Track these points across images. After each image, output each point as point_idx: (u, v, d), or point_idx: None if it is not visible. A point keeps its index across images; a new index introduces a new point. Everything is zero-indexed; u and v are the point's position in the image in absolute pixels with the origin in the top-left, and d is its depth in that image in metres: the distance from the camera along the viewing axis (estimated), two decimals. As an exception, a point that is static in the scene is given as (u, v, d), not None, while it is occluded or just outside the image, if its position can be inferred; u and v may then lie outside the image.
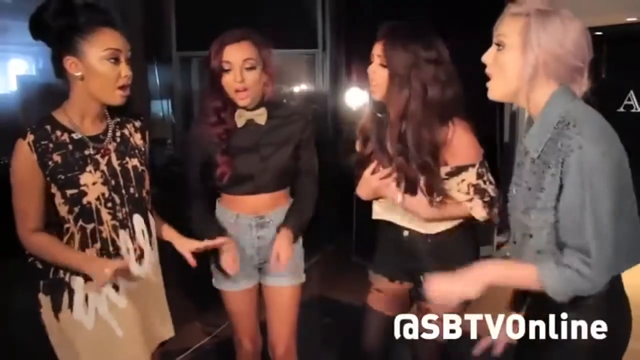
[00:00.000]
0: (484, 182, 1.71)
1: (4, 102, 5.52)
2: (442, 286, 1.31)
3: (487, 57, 1.29)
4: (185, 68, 4.52)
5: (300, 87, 4.87)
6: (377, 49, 1.68)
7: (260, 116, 1.88)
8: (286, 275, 1.97)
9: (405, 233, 1.83)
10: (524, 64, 1.22)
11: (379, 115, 1.79)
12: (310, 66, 4.59)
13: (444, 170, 1.70)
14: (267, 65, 1.84)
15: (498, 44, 1.27)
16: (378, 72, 1.68)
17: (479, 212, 1.72)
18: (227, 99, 1.84)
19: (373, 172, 1.75)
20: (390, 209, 1.83)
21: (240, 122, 1.87)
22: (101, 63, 1.48)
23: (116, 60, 1.50)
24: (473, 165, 1.70)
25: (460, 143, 1.68)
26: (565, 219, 1.21)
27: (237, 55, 1.77)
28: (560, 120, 1.22)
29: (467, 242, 1.85)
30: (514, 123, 4.24)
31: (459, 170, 1.70)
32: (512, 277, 1.29)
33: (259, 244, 1.95)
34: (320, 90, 4.41)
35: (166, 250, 1.78)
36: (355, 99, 4.24)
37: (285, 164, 1.91)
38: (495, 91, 1.30)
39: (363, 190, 1.80)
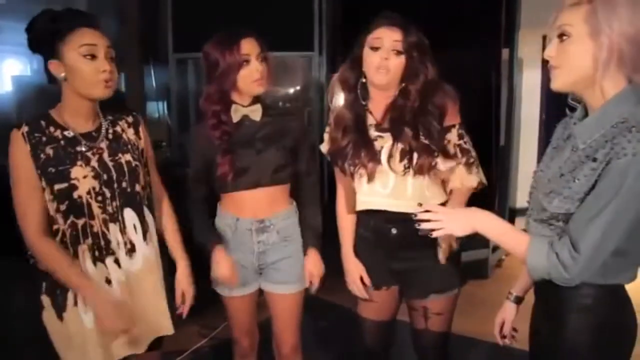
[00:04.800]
0: (465, 142, 1.78)
1: (-2, 103, 5.49)
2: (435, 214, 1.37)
3: (551, 51, 1.25)
4: (182, 70, 4.50)
5: (296, 90, 4.87)
6: (393, 36, 1.70)
7: (255, 112, 1.92)
8: (290, 282, 1.99)
9: (394, 231, 1.78)
10: (597, 50, 1.17)
11: (363, 102, 1.81)
12: (307, 69, 4.58)
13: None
14: (267, 62, 1.91)
15: (562, 35, 1.22)
16: (393, 60, 1.71)
17: (472, 180, 1.77)
18: (226, 98, 1.88)
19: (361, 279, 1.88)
20: (378, 195, 1.79)
21: (235, 117, 1.91)
22: (78, 60, 1.53)
23: (93, 57, 1.53)
24: (454, 126, 1.77)
25: (448, 105, 1.76)
26: (582, 210, 1.19)
27: (254, 48, 1.85)
28: (621, 120, 1.18)
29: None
30: (510, 126, 4.26)
31: (444, 131, 1.75)
32: (504, 234, 1.31)
33: (259, 249, 1.95)
34: (316, 93, 4.41)
35: (163, 252, 1.78)
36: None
37: (280, 160, 1.92)
38: (561, 80, 1.25)
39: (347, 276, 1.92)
